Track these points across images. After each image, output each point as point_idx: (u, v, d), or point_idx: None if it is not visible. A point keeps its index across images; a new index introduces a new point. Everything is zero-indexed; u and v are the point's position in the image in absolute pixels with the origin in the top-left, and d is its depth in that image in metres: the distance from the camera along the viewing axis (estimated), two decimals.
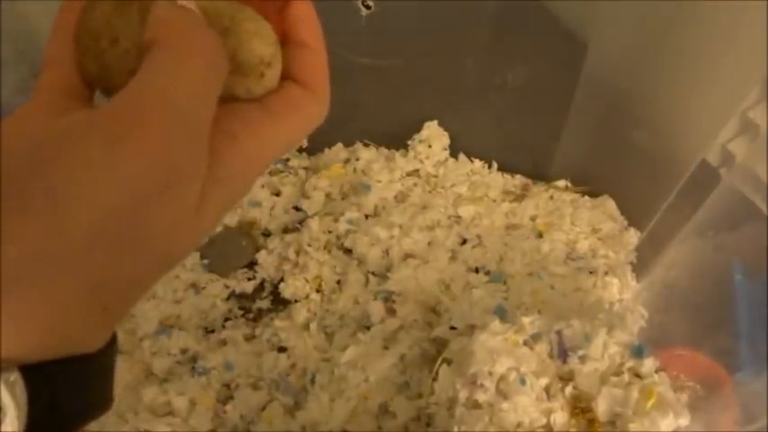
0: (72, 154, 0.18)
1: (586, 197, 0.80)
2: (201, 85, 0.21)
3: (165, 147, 0.19)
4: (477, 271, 0.73)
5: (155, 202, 0.19)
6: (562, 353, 0.54)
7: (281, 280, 0.74)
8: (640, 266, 0.74)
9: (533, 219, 0.78)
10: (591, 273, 0.72)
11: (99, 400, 0.22)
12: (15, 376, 0.18)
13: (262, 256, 0.76)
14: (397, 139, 0.82)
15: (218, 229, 0.78)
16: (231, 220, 0.80)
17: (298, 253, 0.75)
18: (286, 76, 0.26)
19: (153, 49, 0.21)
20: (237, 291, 0.75)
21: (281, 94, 0.25)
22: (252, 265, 0.77)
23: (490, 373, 0.52)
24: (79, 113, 0.20)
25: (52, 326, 0.18)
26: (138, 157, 0.19)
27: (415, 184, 0.80)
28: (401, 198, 0.79)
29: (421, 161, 0.81)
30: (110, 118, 0.19)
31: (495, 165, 0.83)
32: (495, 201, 0.80)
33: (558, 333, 0.55)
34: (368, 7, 0.68)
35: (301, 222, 0.78)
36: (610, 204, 0.78)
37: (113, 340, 0.22)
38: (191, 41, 0.21)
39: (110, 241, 0.19)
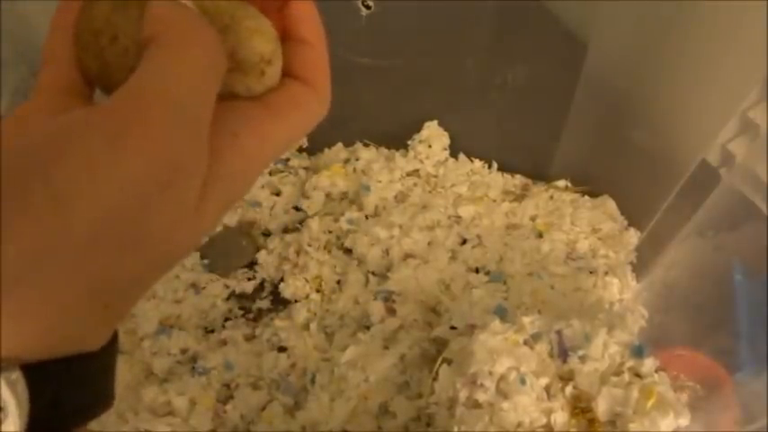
0: (72, 153, 0.18)
1: (586, 197, 0.80)
2: (201, 82, 0.21)
3: (165, 144, 0.19)
4: (477, 271, 0.73)
5: (155, 199, 0.19)
6: (562, 352, 0.54)
7: (281, 280, 0.74)
8: (640, 266, 0.74)
9: (533, 219, 0.78)
10: (591, 273, 0.72)
11: (100, 398, 0.22)
12: (17, 375, 0.18)
13: (262, 256, 0.76)
14: (397, 139, 0.82)
15: (218, 228, 0.78)
16: (231, 219, 0.80)
17: (298, 253, 0.75)
18: (287, 74, 0.26)
19: (151, 46, 0.21)
20: (237, 291, 0.75)
21: (282, 91, 0.25)
22: (252, 265, 0.77)
23: (490, 373, 0.52)
24: (78, 112, 0.20)
25: (53, 325, 0.18)
26: (138, 155, 0.19)
27: (415, 184, 0.80)
28: (401, 198, 0.79)
29: (421, 161, 0.81)
30: (109, 116, 0.19)
31: (495, 165, 0.83)
32: (495, 201, 0.80)
33: (558, 333, 0.55)
34: (368, 7, 0.68)
35: (301, 222, 0.78)
36: (610, 204, 0.78)
37: (114, 339, 0.22)
38: (189, 38, 0.21)
39: (110, 240, 0.19)
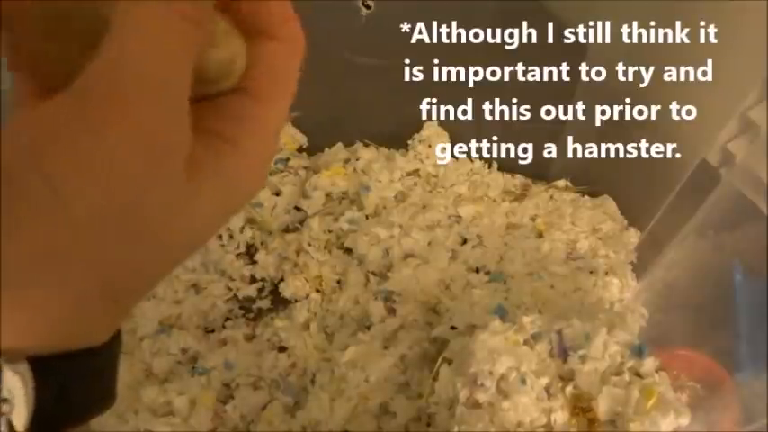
0: (60, 142, 0.18)
1: (586, 197, 0.80)
2: (173, 52, 0.20)
3: (146, 123, 0.19)
4: (477, 271, 0.73)
5: (145, 181, 0.19)
6: (562, 352, 0.54)
7: (281, 280, 0.74)
8: (640, 266, 0.74)
9: (533, 218, 0.78)
10: (591, 272, 0.72)
11: (104, 394, 0.22)
12: (24, 368, 0.18)
13: (262, 256, 0.76)
14: (397, 139, 0.82)
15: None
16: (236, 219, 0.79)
17: (298, 253, 0.75)
18: (260, 35, 0.24)
19: (115, 23, 0.20)
20: (238, 291, 0.75)
21: (259, 68, 0.24)
22: (253, 263, 0.77)
23: (490, 373, 0.52)
24: (56, 101, 0.19)
25: (63, 320, 0.18)
26: (122, 139, 0.18)
27: (415, 184, 0.80)
28: (401, 198, 0.79)
29: (421, 161, 0.81)
30: (87, 102, 0.19)
31: (495, 165, 0.83)
32: (495, 200, 0.80)
33: (559, 332, 0.55)
34: (368, 7, 0.68)
35: (302, 222, 0.78)
36: (610, 204, 0.78)
37: (118, 335, 0.22)
38: (153, 9, 0.20)
39: (111, 229, 0.19)
